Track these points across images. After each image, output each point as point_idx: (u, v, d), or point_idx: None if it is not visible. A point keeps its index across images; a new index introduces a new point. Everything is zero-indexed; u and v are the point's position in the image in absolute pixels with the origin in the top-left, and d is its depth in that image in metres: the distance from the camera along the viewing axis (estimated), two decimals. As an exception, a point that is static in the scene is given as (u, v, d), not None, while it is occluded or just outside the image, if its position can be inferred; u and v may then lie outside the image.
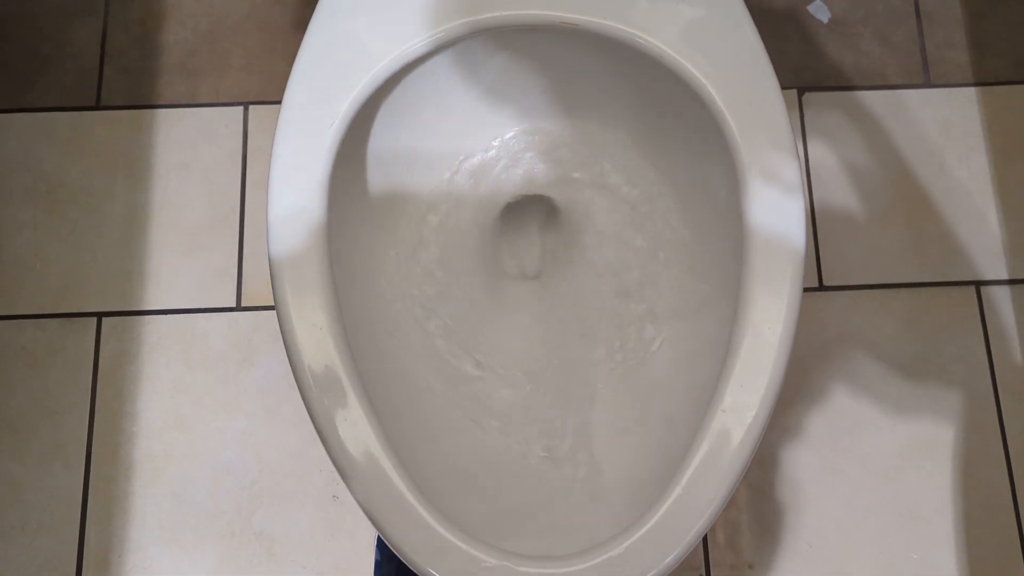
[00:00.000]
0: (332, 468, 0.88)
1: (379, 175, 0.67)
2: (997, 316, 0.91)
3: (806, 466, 0.88)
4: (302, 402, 0.89)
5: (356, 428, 0.55)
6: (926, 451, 0.88)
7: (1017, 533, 0.86)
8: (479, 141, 0.72)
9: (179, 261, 0.94)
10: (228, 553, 0.87)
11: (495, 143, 0.72)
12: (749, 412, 0.53)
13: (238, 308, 0.93)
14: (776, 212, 0.57)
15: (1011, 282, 0.92)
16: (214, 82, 0.99)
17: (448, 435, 0.67)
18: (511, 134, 0.72)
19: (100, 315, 0.93)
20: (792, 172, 0.58)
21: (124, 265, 0.94)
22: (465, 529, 0.54)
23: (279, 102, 0.98)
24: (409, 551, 0.52)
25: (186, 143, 0.97)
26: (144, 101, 0.99)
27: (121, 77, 0.99)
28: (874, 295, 0.92)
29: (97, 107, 0.98)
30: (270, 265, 0.58)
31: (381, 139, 0.66)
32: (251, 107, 0.99)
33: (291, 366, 0.57)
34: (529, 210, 0.76)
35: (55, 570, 0.86)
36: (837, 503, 0.87)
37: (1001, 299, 0.92)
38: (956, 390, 0.90)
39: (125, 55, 1.00)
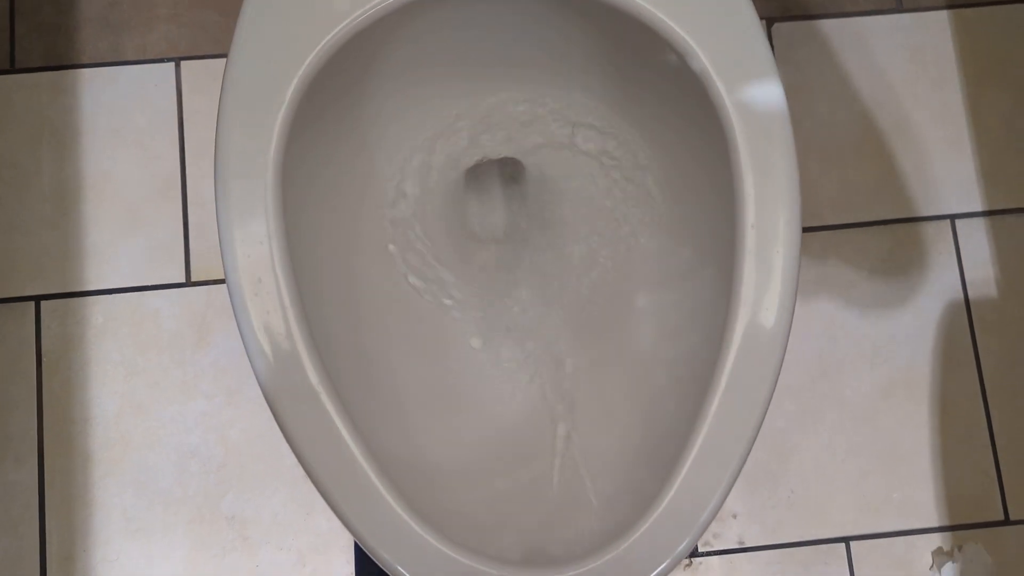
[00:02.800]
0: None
1: (339, 144, 0.62)
2: (972, 249, 0.90)
3: (785, 413, 0.87)
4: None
5: (326, 427, 0.51)
6: (904, 390, 0.88)
7: (994, 467, 0.86)
8: (444, 105, 0.66)
9: (120, 236, 0.88)
10: (200, 540, 0.83)
11: (461, 107, 0.67)
12: (753, 388, 0.51)
13: (188, 283, 0.87)
14: (752, 91, 0.53)
15: (986, 213, 0.91)
16: (140, 36, 0.91)
17: (423, 420, 0.64)
18: (477, 97, 0.67)
19: (38, 299, 0.86)
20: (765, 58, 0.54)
21: (60, 244, 0.87)
22: (453, 532, 0.51)
23: (214, 56, 0.92)
24: (396, 565, 0.49)
25: (115, 106, 0.89)
26: (64, 61, 0.90)
27: (36, 35, 0.90)
28: (849, 234, 0.90)
29: (12, 70, 0.90)
30: (222, 252, 0.53)
31: (340, 107, 0.60)
32: (183, 63, 0.91)
33: (249, 359, 0.52)
34: (496, 172, 0.72)
35: (18, 568, 0.82)
36: (817, 448, 0.86)
37: (976, 231, 0.90)
38: (933, 327, 0.89)
39: (38, 10, 0.91)
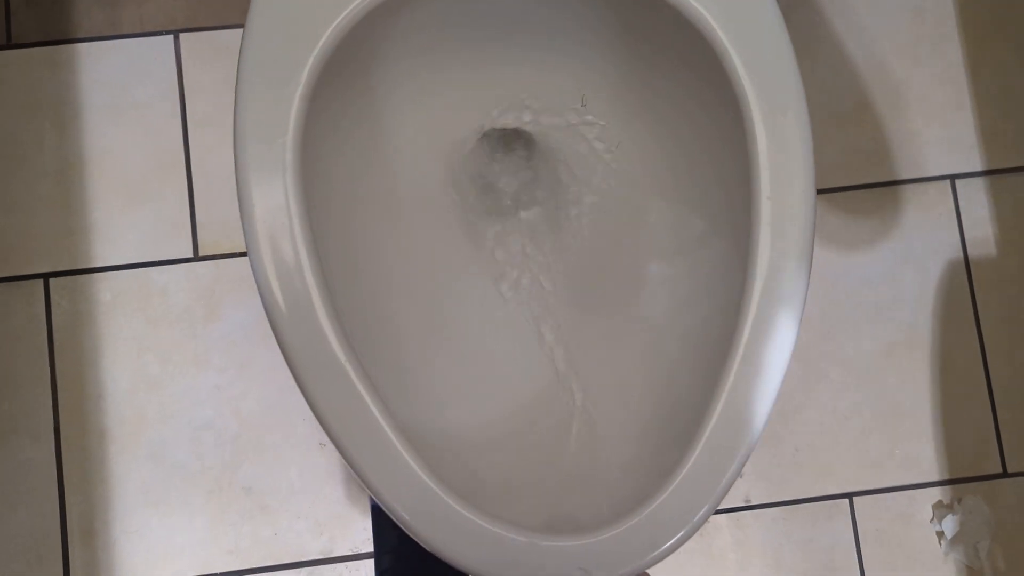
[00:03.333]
0: (313, 418, 0.86)
1: (353, 124, 0.62)
2: (972, 209, 0.91)
3: (791, 374, 0.88)
4: (274, 357, 0.87)
5: (355, 403, 0.52)
6: (905, 348, 0.89)
7: (992, 421, 0.89)
8: (455, 80, 0.66)
9: (125, 212, 0.87)
10: (218, 510, 0.85)
11: (472, 82, 0.67)
12: (769, 359, 0.52)
13: (196, 258, 0.88)
14: (767, 64, 0.54)
15: (985, 173, 0.92)
16: (136, 8, 0.90)
17: (443, 391, 0.65)
18: (487, 73, 0.67)
19: (47, 276, 0.87)
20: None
21: (65, 221, 0.87)
22: (478, 500, 0.53)
23: (213, 27, 0.91)
24: (429, 535, 0.50)
25: (114, 81, 0.89)
26: (61, 35, 0.89)
27: (31, 9, 0.89)
28: (851, 196, 0.91)
29: (8, 45, 0.89)
30: (246, 239, 0.53)
31: (353, 86, 0.60)
32: (182, 35, 0.90)
33: (278, 342, 0.53)
34: (506, 144, 0.72)
35: (40, 542, 0.84)
36: (822, 407, 0.88)
37: (976, 191, 0.91)
38: (933, 286, 0.90)
39: (31, -17, 0.90)
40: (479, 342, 0.69)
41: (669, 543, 0.51)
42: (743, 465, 0.51)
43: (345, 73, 0.58)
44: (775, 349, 0.52)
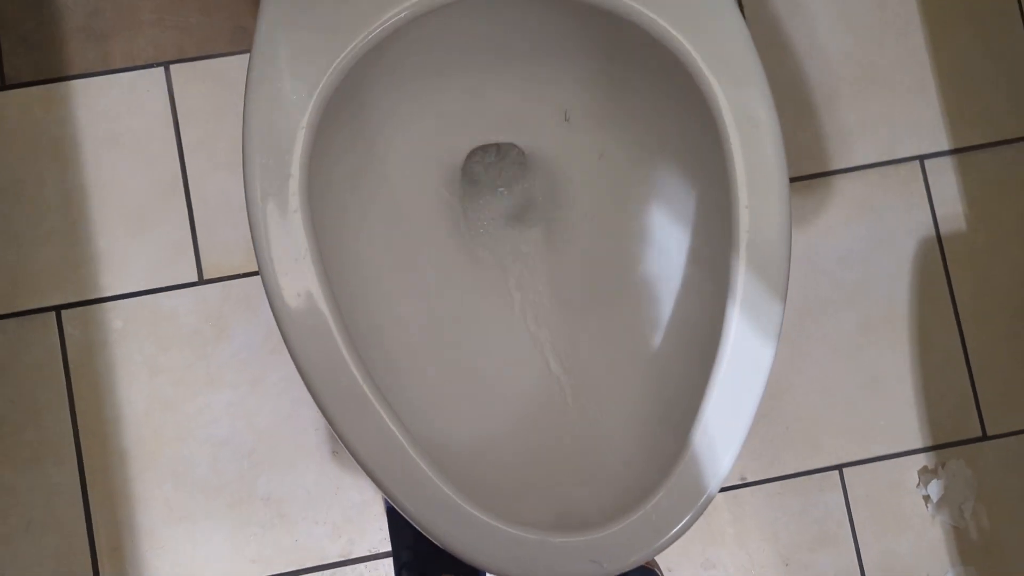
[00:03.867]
0: (325, 427, 0.90)
1: (352, 153, 0.65)
2: (942, 187, 0.95)
3: (777, 355, 0.92)
4: (284, 371, 0.90)
5: (376, 424, 0.55)
6: (885, 324, 0.94)
7: (971, 388, 0.93)
8: (444, 102, 0.70)
9: (130, 241, 0.91)
10: (240, 520, 0.89)
11: (460, 103, 0.70)
12: (755, 354, 0.56)
13: (201, 281, 0.91)
14: (738, 81, 0.58)
15: (952, 152, 0.96)
16: (126, 43, 0.92)
17: (445, 405, 0.69)
18: (474, 95, 0.70)
19: (58, 308, 0.90)
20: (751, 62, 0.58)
21: (72, 254, 0.90)
22: (491, 504, 0.56)
23: (202, 57, 0.94)
24: (448, 539, 0.54)
25: (110, 114, 0.91)
26: (54, 74, 0.92)
27: (22, 50, 0.92)
28: (826, 182, 0.95)
29: (3, 87, 0.91)
30: (263, 278, 0.56)
31: (351, 115, 0.63)
32: (172, 66, 0.92)
33: (301, 375, 0.56)
34: (495, 159, 0.75)
35: (70, 564, 0.87)
36: (808, 385, 0.93)
37: (945, 170, 0.95)
38: (908, 263, 0.94)
39: (21, 24, 0.92)
40: (479, 350, 0.73)
41: (673, 531, 0.55)
42: (737, 454, 0.56)
43: (343, 108, 0.61)
44: (762, 339, 0.57)
